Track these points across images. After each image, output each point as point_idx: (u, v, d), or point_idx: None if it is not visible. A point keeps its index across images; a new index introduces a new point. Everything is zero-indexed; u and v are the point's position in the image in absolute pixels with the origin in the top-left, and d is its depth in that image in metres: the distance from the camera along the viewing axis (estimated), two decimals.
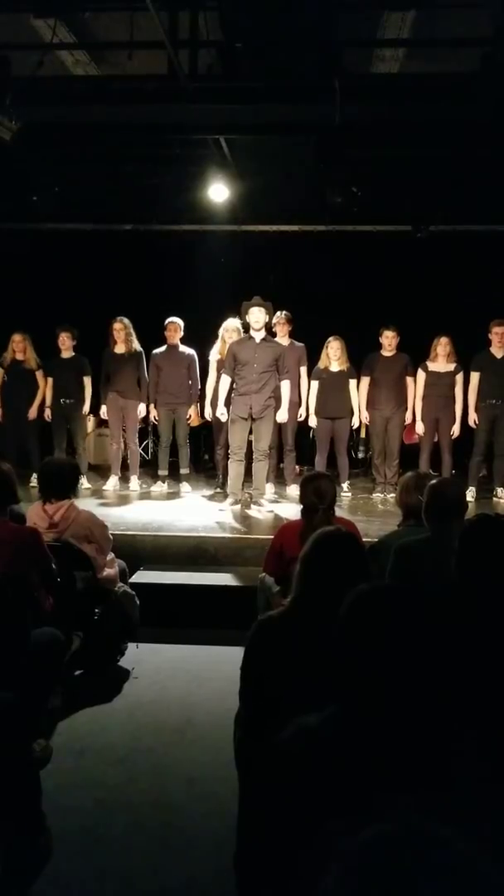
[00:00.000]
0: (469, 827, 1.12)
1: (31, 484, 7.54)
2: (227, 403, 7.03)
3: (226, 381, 7.04)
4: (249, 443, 7.12)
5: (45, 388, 8.21)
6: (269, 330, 7.41)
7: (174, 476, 8.24)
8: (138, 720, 3.94)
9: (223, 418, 7.12)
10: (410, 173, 8.11)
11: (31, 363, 8.20)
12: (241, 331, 7.55)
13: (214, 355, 7.83)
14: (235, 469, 7.02)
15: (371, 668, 1.44)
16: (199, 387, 8.00)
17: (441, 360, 7.70)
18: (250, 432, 7.03)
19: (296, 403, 7.98)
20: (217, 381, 7.61)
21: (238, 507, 6.97)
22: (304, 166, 8.06)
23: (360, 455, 9.62)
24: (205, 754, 3.53)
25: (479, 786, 1.41)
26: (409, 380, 7.86)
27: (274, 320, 7.85)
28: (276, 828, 1.44)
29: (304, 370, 8.02)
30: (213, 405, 7.69)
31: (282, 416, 7.11)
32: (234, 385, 6.97)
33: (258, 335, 6.93)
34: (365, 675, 1.44)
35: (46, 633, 3.57)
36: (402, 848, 0.93)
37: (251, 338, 6.97)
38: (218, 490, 7.97)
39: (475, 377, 7.60)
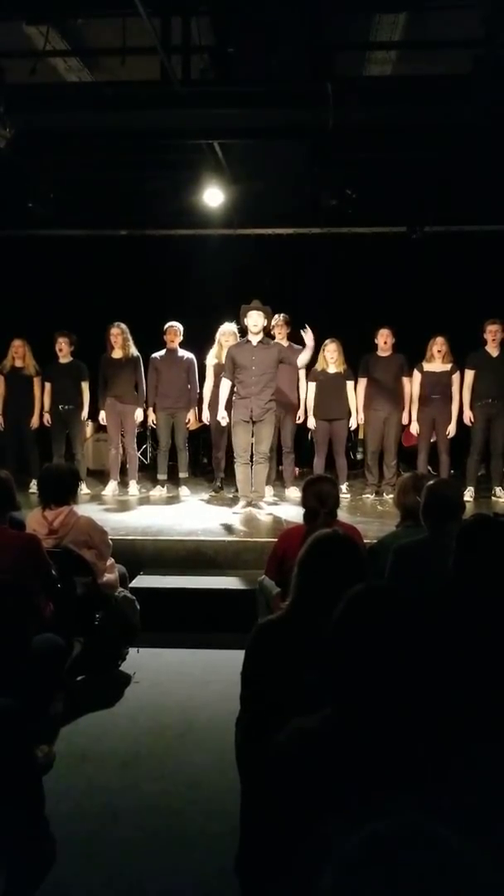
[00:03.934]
0: (467, 826, 1.13)
1: (31, 490, 7.55)
2: (228, 407, 7.05)
3: (226, 384, 7.06)
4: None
5: (44, 394, 8.22)
6: (268, 333, 7.41)
7: (173, 480, 8.24)
8: (140, 725, 3.94)
9: (224, 422, 7.14)
10: (404, 175, 8.13)
11: (30, 369, 8.20)
12: (238, 335, 7.57)
13: (211, 360, 7.86)
14: (243, 472, 7.03)
15: (366, 668, 1.45)
16: (198, 391, 8.01)
17: (437, 361, 7.72)
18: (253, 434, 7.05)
19: (295, 406, 8.00)
20: (214, 386, 7.64)
21: (249, 509, 6.97)
22: (299, 169, 8.08)
23: (359, 456, 9.63)
24: (206, 758, 3.54)
25: (477, 785, 1.42)
26: (406, 380, 7.88)
27: (272, 323, 7.87)
28: (276, 829, 1.45)
29: (302, 373, 8.02)
30: (211, 409, 7.72)
31: (304, 357, 7.04)
32: (235, 389, 6.99)
33: (255, 338, 6.94)
34: (360, 676, 1.45)
35: (47, 640, 3.57)
36: (399, 847, 0.94)
37: (248, 341, 6.98)
38: (214, 493, 7.99)
39: (469, 375, 7.63)
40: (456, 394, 7.69)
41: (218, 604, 5.41)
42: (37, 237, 9.61)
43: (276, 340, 7.62)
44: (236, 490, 7.31)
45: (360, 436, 8.76)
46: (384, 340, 7.90)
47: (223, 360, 7.38)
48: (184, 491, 8.09)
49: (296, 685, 1.97)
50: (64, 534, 4.20)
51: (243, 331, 7.29)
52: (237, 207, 8.88)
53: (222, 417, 7.11)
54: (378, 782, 1.32)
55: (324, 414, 7.91)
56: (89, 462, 9.01)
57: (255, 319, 6.89)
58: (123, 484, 8.16)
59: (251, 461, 7.03)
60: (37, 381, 8.21)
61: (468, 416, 7.67)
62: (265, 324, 7.00)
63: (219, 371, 7.47)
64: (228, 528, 6.46)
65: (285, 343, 7.91)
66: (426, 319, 8.26)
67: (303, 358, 7.05)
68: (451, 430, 7.72)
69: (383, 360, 7.92)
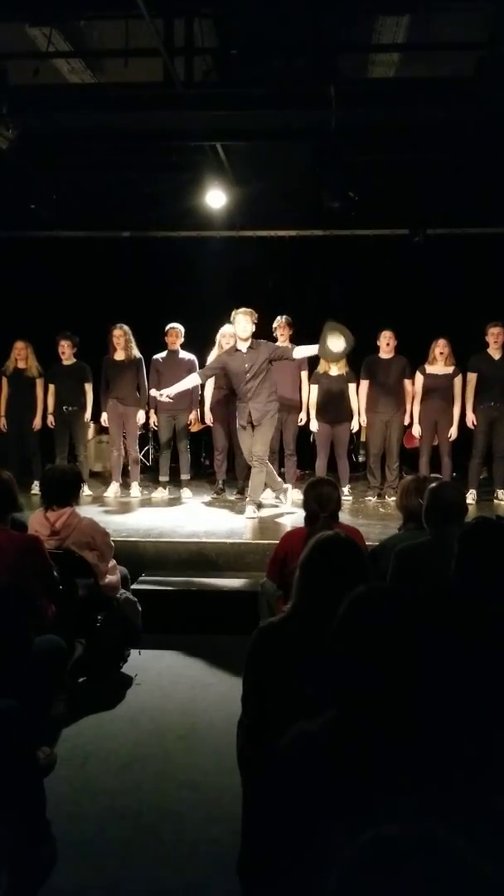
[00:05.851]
0: (468, 828, 1.12)
1: (33, 491, 7.55)
2: (201, 405, 7.10)
3: (194, 379, 7.11)
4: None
5: (46, 396, 8.21)
6: (270, 335, 7.40)
7: (175, 482, 8.24)
8: (141, 727, 3.94)
9: (165, 400, 7.24)
10: (407, 177, 8.12)
11: (33, 371, 8.18)
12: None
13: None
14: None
15: (368, 669, 1.45)
16: (200, 392, 8.01)
17: (439, 363, 7.71)
18: None
19: (297, 408, 8.00)
20: (216, 388, 7.67)
21: (258, 511, 6.98)
22: (301, 171, 8.07)
23: (361, 459, 9.62)
24: (208, 760, 3.53)
25: (479, 787, 1.42)
26: (408, 382, 7.87)
27: (274, 324, 7.88)
28: (278, 832, 1.44)
29: (304, 375, 8.02)
30: (213, 411, 7.73)
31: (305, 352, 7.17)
32: (237, 396, 7.00)
33: (244, 345, 6.91)
34: (362, 677, 1.45)
35: (49, 641, 3.57)
36: (402, 850, 0.93)
37: (238, 350, 6.96)
38: (216, 495, 7.99)
39: (472, 378, 7.62)
40: (458, 396, 7.69)
41: (220, 606, 5.41)
42: (39, 239, 9.62)
43: (275, 342, 7.58)
44: (237, 492, 7.31)
45: (362, 438, 8.76)
46: (386, 343, 7.89)
47: None
48: (185, 493, 8.08)
49: (297, 687, 1.97)
50: (66, 535, 4.20)
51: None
52: (240, 209, 8.88)
53: (161, 394, 7.14)
54: (381, 785, 1.32)
55: (326, 416, 7.90)
56: (91, 464, 9.01)
57: (243, 325, 6.84)
58: (125, 486, 8.15)
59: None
60: (39, 383, 8.20)
61: (470, 418, 7.66)
62: (253, 329, 6.95)
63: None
64: (230, 531, 6.46)
65: (289, 345, 7.90)
66: (428, 322, 8.25)
67: (303, 352, 7.10)
68: (453, 432, 7.71)
69: (385, 362, 7.92)
